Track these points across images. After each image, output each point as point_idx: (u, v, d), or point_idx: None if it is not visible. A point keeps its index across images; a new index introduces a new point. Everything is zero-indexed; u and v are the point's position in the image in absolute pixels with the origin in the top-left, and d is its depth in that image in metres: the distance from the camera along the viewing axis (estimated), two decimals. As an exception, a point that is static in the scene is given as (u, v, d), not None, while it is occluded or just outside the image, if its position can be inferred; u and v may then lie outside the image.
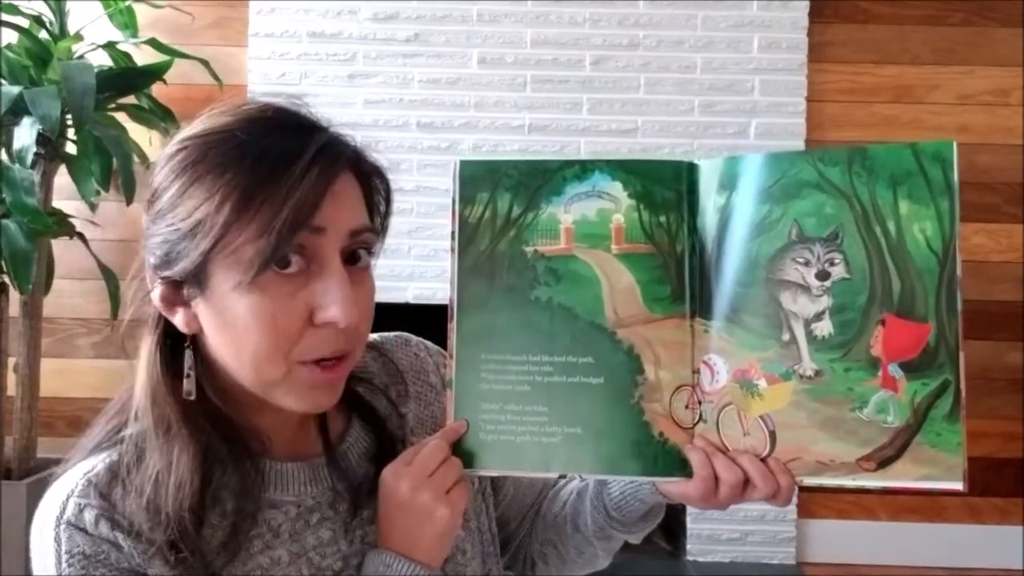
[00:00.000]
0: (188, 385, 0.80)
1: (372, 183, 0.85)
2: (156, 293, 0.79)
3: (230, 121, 0.78)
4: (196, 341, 0.81)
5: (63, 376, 2.95)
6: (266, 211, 0.73)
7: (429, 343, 1.02)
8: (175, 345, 0.81)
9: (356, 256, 0.80)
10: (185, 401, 0.80)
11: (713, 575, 2.87)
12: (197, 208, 0.75)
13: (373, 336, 0.98)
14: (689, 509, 2.92)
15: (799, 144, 2.93)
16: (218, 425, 0.80)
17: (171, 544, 0.77)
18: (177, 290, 0.78)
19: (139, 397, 0.81)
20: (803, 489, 2.93)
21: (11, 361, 2.56)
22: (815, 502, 3.02)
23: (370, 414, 0.92)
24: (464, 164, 0.86)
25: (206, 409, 0.80)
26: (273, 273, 0.75)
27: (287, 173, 0.74)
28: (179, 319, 0.79)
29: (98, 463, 0.79)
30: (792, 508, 2.95)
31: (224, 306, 0.76)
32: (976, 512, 3.03)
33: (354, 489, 0.87)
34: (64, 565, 0.76)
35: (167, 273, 0.77)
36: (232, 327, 0.77)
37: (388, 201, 0.87)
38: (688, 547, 2.95)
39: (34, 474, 2.51)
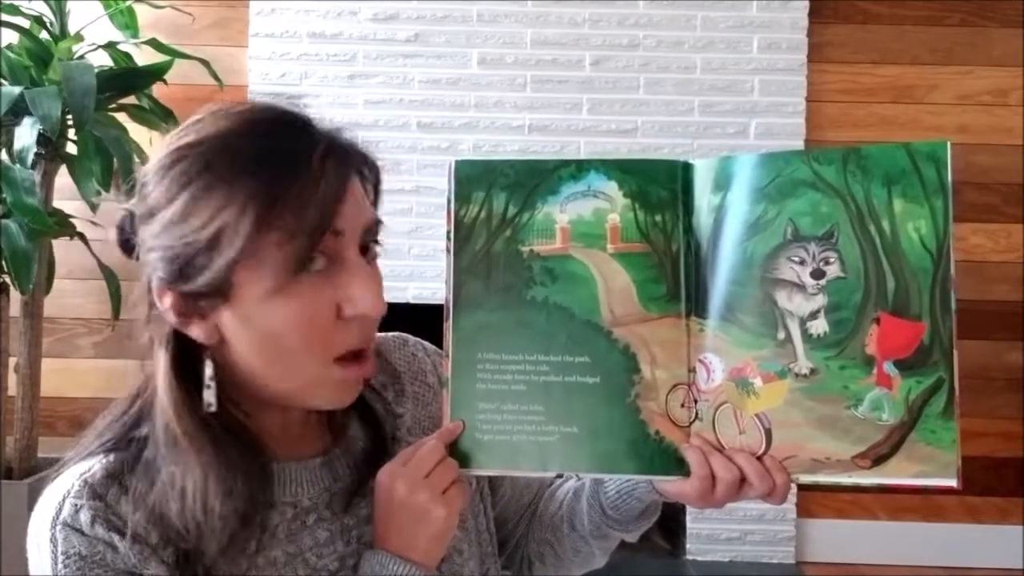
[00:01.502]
0: (209, 397, 0.78)
1: (364, 173, 0.84)
2: (168, 307, 0.77)
3: (230, 126, 0.77)
4: (208, 350, 0.80)
5: (64, 376, 2.95)
6: (289, 217, 0.73)
7: (427, 343, 1.02)
8: (186, 356, 0.80)
9: (365, 248, 0.81)
10: (206, 415, 0.78)
11: (712, 574, 2.88)
12: (214, 218, 0.73)
13: None
14: (688, 508, 2.92)
15: (799, 144, 2.93)
16: (234, 434, 0.80)
17: (176, 553, 0.77)
18: (194, 302, 0.77)
19: (159, 414, 0.79)
20: (800, 487, 2.95)
21: (12, 361, 2.56)
22: (814, 501, 3.02)
23: (368, 414, 0.92)
24: (459, 164, 0.86)
25: (224, 420, 0.80)
26: (302, 274, 0.75)
27: (303, 176, 0.74)
28: (196, 331, 0.78)
29: (95, 464, 0.79)
30: (791, 507, 2.95)
31: (254, 314, 0.76)
32: (975, 512, 3.03)
33: (351, 489, 0.87)
34: (60, 566, 0.75)
35: (187, 287, 0.76)
36: (266, 334, 0.77)
37: (377, 189, 0.87)
38: (687, 546, 2.95)
39: (35, 474, 2.51)
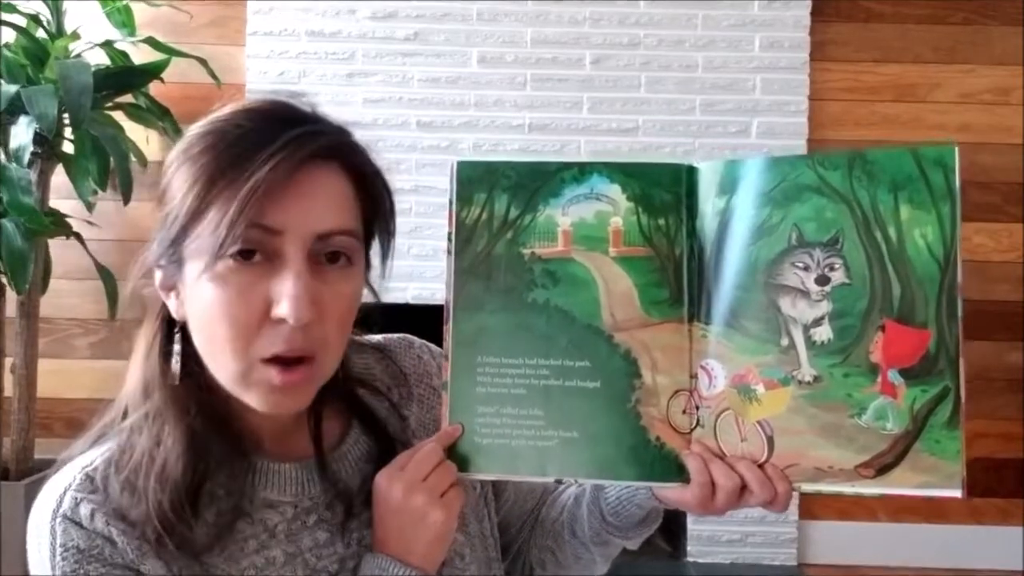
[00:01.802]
0: (174, 368, 0.81)
1: (368, 184, 0.83)
2: (157, 278, 0.81)
3: (225, 114, 0.79)
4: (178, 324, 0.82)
5: (60, 376, 2.95)
6: (223, 202, 0.73)
7: (433, 346, 1.02)
8: (172, 335, 0.83)
9: (335, 256, 0.78)
10: (174, 386, 0.80)
11: (713, 576, 2.88)
12: (175, 195, 0.77)
13: (376, 338, 0.98)
14: (689, 510, 2.92)
15: (800, 143, 2.93)
16: (207, 416, 0.80)
17: (158, 536, 0.76)
18: (168, 274, 0.80)
19: (133, 379, 0.82)
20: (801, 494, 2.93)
21: (8, 361, 2.56)
22: (816, 503, 3.02)
23: (369, 417, 0.91)
24: (461, 165, 0.86)
25: (196, 398, 0.80)
26: (235, 263, 0.74)
27: (249, 163, 0.73)
28: (172, 304, 0.81)
29: (96, 457, 0.80)
30: (793, 509, 2.95)
31: (192, 294, 0.77)
32: (977, 513, 3.03)
33: (348, 492, 0.86)
34: (58, 559, 0.76)
35: (156, 259, 0.79)
36: (198, 316, 0.77)
37: (390, 204, 0.85)
38: (688, 548, 2.95)
39: (32, 475, 2.52)
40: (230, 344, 0.76)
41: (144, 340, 0.83)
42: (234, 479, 0.81)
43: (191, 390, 0.80)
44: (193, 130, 0.80)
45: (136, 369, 0.82)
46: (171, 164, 0.79)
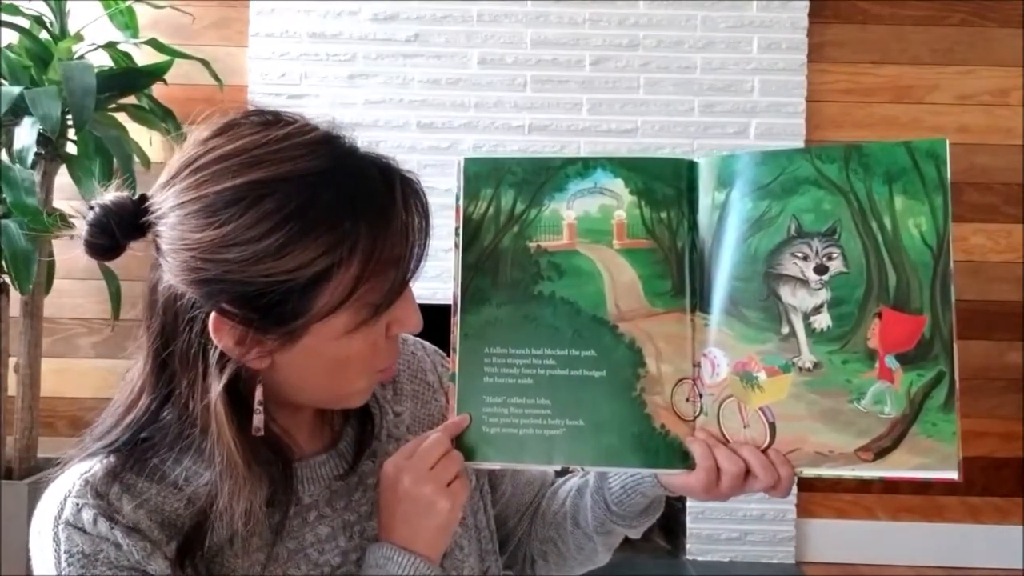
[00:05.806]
0: (258, 422, 0.80)
1: None
2: (226, 335, 0.76)
3: (317, 163, 0.76)
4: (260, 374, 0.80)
5: (64, 376, 2.96)
6: (388, 258, 0.77)
7: (426, 342, 1.03)
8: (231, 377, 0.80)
9: None
10: (254, 437, 0.79)
11: (712, 574, 2.88)
12: (316, 260, 0.73)
13: None
14: (688, 508, 2.93)
15: (798, 144, 2.93)
16: (269, 443, 0.81)
17: (179, 548, 0.78)
18: (260, 333, 0.76)
19: (216, 440, 0.78)
20: (800, 486, 2.95)
21: (12, 361, 2.57)
22: (814, 502, 3.03)
23: (363, 413, 0.93)
24: (468, 162, 0.87)
25: (266, 437, 0.81)
26: (368, 310, 0.78)
27: (394, 219, 0.77)
28: (253, 358, 0.78)
29: (95, 464, 0.80)
30: (791, 508, 2.96)
31: (325, 348, 0.78)
32: (975, 512, 3.03)
33: (349, 486, 0.89)
34: (64, 565, 0.76)
35: (263, 321, 0.75)
36: (335, 362, 0.79)
37: None
38: (687, 546, 2.95)
39: (35, 474, 2.52)
40: (366, 372, 0.83)
41: (218, 405, 0.77)
42: (275, 493, 0.82)
43: (257, 438, 0.80)
44: (288, 185, 0.74)
45: (216, 431, 0.78)
46: (277, 224, 0.73)
